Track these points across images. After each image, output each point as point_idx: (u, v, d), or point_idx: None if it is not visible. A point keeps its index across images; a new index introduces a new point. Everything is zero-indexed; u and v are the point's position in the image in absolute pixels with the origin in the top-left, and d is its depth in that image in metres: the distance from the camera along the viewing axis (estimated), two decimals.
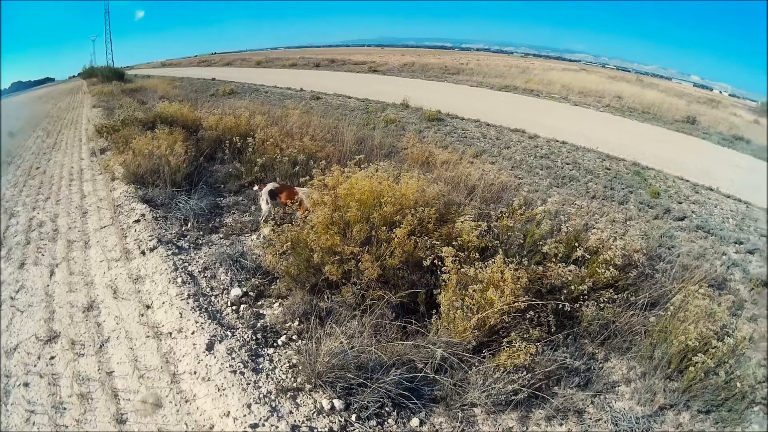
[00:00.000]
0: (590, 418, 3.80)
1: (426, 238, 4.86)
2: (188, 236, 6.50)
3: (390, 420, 3.68)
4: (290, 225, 5.34)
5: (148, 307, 5.00)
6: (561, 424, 3.72)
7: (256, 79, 28.94)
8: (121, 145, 9.55)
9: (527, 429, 3.69)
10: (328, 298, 4.79)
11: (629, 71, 38.01)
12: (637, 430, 3.69)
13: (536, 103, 23.66)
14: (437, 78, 32.10)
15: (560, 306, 4.38)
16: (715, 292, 5.19)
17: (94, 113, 18.79)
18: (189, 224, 6.80)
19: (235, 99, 18.62)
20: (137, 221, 6.87)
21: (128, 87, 26.34)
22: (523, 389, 3.79)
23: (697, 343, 4.07)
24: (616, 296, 4.77)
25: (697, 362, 3.95)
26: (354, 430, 3.55)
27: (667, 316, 4.47)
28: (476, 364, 3.98)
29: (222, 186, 8.49)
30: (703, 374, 3.96)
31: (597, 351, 4.52)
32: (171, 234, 6.51)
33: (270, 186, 6.55)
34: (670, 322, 4.40)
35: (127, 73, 38.30)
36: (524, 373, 3.89)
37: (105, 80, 32.01)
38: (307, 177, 6.27)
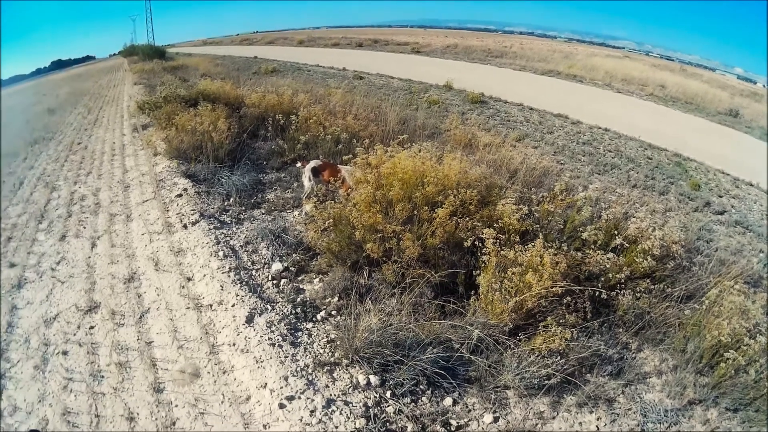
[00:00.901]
0: (620, 408, 3.84)
1: (467, 219, 4.96)
2: (230, 211, 6.77)
3: (424, 398, 3.80)
4: (333, 202, 5.52)
5: (189, 279, 5.26)
6: (591, 412, 3.78)
7: (298, 58, 29.36)
8: (163, 121, 9.94)
9: (557, 414, 3.76)
10: (368, 276, 4.94)
11: (672, 60, 37.01)
12: (665, 423, 3.71)
13: (579, 89, 23.57)
14: (480, 61, 32.11)
15: (597, 293, 4.43)
16: (750, 289, 5.11)
17: (135, 90, 19.42)
18: (231, 199, 7.07)
19: (278, 77, 18.97)
20: (179, 195, 7.18)
21: (169, 65, 27.09)
22: (557, 374, 3.87)
23: (730, 340, 4.05)
24: (652, 287, 4.77)
25: (728, 359, 3.95)
26: (388, 406, 3.68)
27: (702, 310, 4.47)
28: (512, 346, 4.07)
29: (264, 163, 8.74)
30: (733, 371, 3.95)
31: (631, 341, 4.54)
32: (213, 208, 6.78)
33: (313, 163, 6.74)
34: (704, 317, 4.40)
35: (168, 51, 39.34)
36: (558, 358, 3.97)
37: (146, 58, 33.00)
38: (351, 155, 6.44)
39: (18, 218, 7.47)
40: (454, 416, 3.67)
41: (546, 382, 3.83)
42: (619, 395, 3.96)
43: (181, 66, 26.04)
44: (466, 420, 3.67)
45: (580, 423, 3.69)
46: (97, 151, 11.38)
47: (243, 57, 32.03)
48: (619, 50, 40.94)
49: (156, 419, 3.64)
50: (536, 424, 3.65)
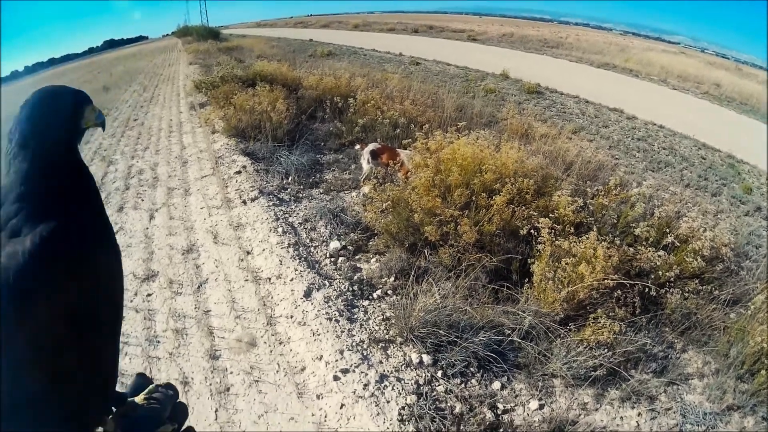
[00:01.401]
0: (661, 406, 3.85)
1: (523, 208, 5.07)
2: (289, 189, 7.03)
3: (473, 380, 3.91)
4: (391, 185, 5.70)
5: (248, 253, 5.53)
6: (633, 407, 3.81)
7: (353, 41, 29.61)
8: (221, 100, 10.27)
9: (600, 406, 3.82)
10: (424, 258, 5.08)
11: (728, 58, 35.53)
12: (703, 425, 3.72)
13: (635, 84, 23.10)
14: (536, 50, 31.88)
15: (646, 289, 4.47)
16: None
17: (190, 70, 20.00)
18: (290, 178, 7.33)
19: (334, 60, 19.26)
20: (238, 172, 7.48)
21: (224, 46, 27.69)
22: (603, 366, 3.92)
23: None
24: (700, 288, 4.75)
25: None
26: (439, 385, 3.81)
27: (747, 316, 4.45)
28: (561, 335, 4.15)
29: (322, 144, 8.97)
30: None
31: (676, 340, 4.53)
32: (272, 186, 7.05)
33: (372, 146, 6.94)
34: (748, 322, 4.37)
35: (222, 32, 40.10)
36: (605, 350, 4.03)
37: (200, 39, 33.76)
38: (410, 140, 6.59)
39: None
40: (501, 400, 3.77)
41: (592, 373, 3.89)
42: (660, 393, 3.99)
43: (236, 47, 26.57)
44: (512, 405, 3.76)
45: (621, 417, 3.74)
46: (154, 128, 11.84)
47: (298, 39, 32.44)
48: (675, 45, 39.73)
49: (210, 384, 3.83)
50: (579, 415, 3.72)
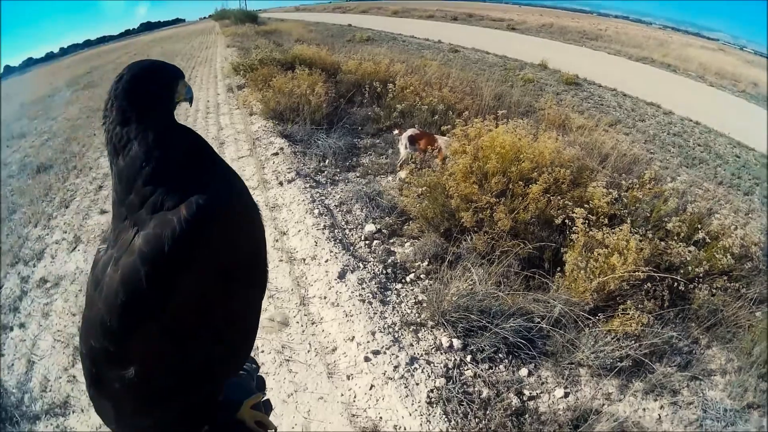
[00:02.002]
0: (683, 400, 3.85)
1: (559, 197, 5.10)
2: (325, 172, 7.13)
3: (501, 366, 3.95)
4: (428, 170, 5.75)
5: (283, 233, 5.64)
6: (656, 400, 3.82)
7: (392, 28, 29.49)
8: (259, 82, 10.42)
9: (624, 397, 3.82)
10: (459, 244, 5.13)
11: (766, 57, 34.35)
12: (723, 421, 3.71)
13: (673, 79, 22.69)
14: (575, 42, 31.35)
15: (675, 284, 4.47)
16: None
17: (228, 52, 20.20)
18: (327, 161, 7.44)
19: (373, 46, 19.21)
20: (275, 154, 7.60)
21: (262, 29, 27.79)
22: (629, 357, 3.95)
23: None
24: (728, 285, 4.73)
25: None
26: (467, 369, 3.87)
27: None
28: (590, 325, 4.17)
29: (360, 128, 9.03)
30: None
31: (701, 336, 4.51)
32: (309, 168, 7.16)
33: (410, 131, 6.96)
34: None
35: (260, 16, 40.27)
36: (632, 342, 4.05)
37: (238, 22, 33.93)
38: (448, 126, 6.63)
39: (109, 168, 8.08)
40: (528, 387, 3.81)
41: (618, 364, 3.91)
42: (683, 387, 3.98)
43: (274, 30, 26.67)
44: (538, 392, 3.80)
45: (644, 409, 3.75)
46: (191, 109, 12.03)
47: (336, 24, 32.44)
48: (714, 42, 38.65)
49: None
50: (603, 404, 3.74)
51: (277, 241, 5.50)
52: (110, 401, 1.05)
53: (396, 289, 4.74)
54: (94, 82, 21.24)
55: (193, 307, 0.98)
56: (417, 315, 4.38)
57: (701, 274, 4.70)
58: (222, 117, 10.67)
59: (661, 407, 3.80)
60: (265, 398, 1.40)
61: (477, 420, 3.47)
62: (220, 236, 1.01)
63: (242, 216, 1.10)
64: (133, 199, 1.01)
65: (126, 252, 0.96)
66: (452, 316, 4.14)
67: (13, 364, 4.25)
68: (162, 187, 1.00)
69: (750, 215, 8.09)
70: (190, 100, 1.25)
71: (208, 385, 1.14)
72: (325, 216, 5.82)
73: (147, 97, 1.07)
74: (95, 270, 1.05)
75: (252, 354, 3.86)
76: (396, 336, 4.11)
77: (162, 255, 0.93)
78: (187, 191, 1.00)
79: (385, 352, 3.92)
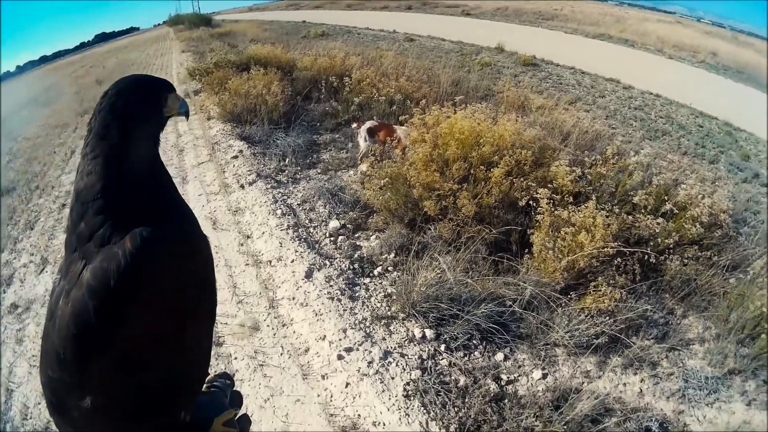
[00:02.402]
0: (663, 372, 3.90)
1: (522, 179, 5.09)
2: (286, 171, 7.03)
3: (476, 352, 3.94)
4: (389, 161, 5.71)
5: (248, 237, 5.55)
6: (636, 374, 3.86)
7: (347, 21, 29.42)
8: (215, 86, 10.23)
9: (603, 374, 3.85)
10: (424, 233, 5.10)
11: (724, 27, 35.20)
12: (705, 389, 3.76)
13: (631, 54, 23.22)
14: (531, 23, 31.87)
15: (645, 257, 4.50)
16: None
17: (183, 58, 19.88)
18: (287, 160, 7.34)
19: (328, 41, 19.10)
20: (235, 157, 7.48)
21: (216, 32, 27.50)
22: (605, 333, 3.97)
23: None
24: (699, 254, 4.80)
25: None
26: (442, 359, 3.85)
27: (746, 281, 4.52)
28: (562, 305, 4.17)
29: (318, 124, 8.95)
30: None
31: (676, 306, 4.56)
32: (269, 169, 7.05)
33: (368, 124, 6.91)
34: (748, 288, 4.42)
35: (214, 18, 39.86)
36: (607, 318, 4.06)
37: (192, 26, 33.51)
38: (407, 116, 6.59)
39: (71, 185, 7.90)
40: (505, 371, 3.81)
41: (594, 341, 3.93)
42: (662, 359, 4.02)
43: (229, 32, 26.40)
44: (516, 375, 3.80)
45: (624, 384, 3.78)
46: None
47: (291, 22, 32.28)
48: (671, 15, 39.46)
49: (215, 371, 3.89)
50: (582, 383, 3.75)
51: (241, 245, 5.42)
52: (72, 428, 1.03)
53: (364, 283, 4.70)
54: (51, 99, 20.81)
55: (143, 338, 0.97)
56: (387, 308, 4.34)
57: (671, 245, 4.75)
58: (180, 123, 10.45)
59: (642, 380, 3.83)
60: (242, 413, 1.36)
61: (456, 409, 3.45)
62: (166, 269, 0.99)
63: (189, 248, 1.07)
64: (83, 230, 0.99)
65: (75, 285, 0.95)
66: (422, 307, 4.12)
67: None
68: (111, 220, 0.97)
69: (716, 183, 8.21)
70: (186, 114, 1.22)
71: (169, 410, 1.09)
72: (289, 216, 5.75)
73: (131, 112, 1.05)
74: (50, 301, 1.04)
75: (225, 362, 3.80)
76: (368, 331, 4.07)
77: (108, 289, 0.91)
78: (135, 225, 0.97)
79: (357, 349, 3.89)
